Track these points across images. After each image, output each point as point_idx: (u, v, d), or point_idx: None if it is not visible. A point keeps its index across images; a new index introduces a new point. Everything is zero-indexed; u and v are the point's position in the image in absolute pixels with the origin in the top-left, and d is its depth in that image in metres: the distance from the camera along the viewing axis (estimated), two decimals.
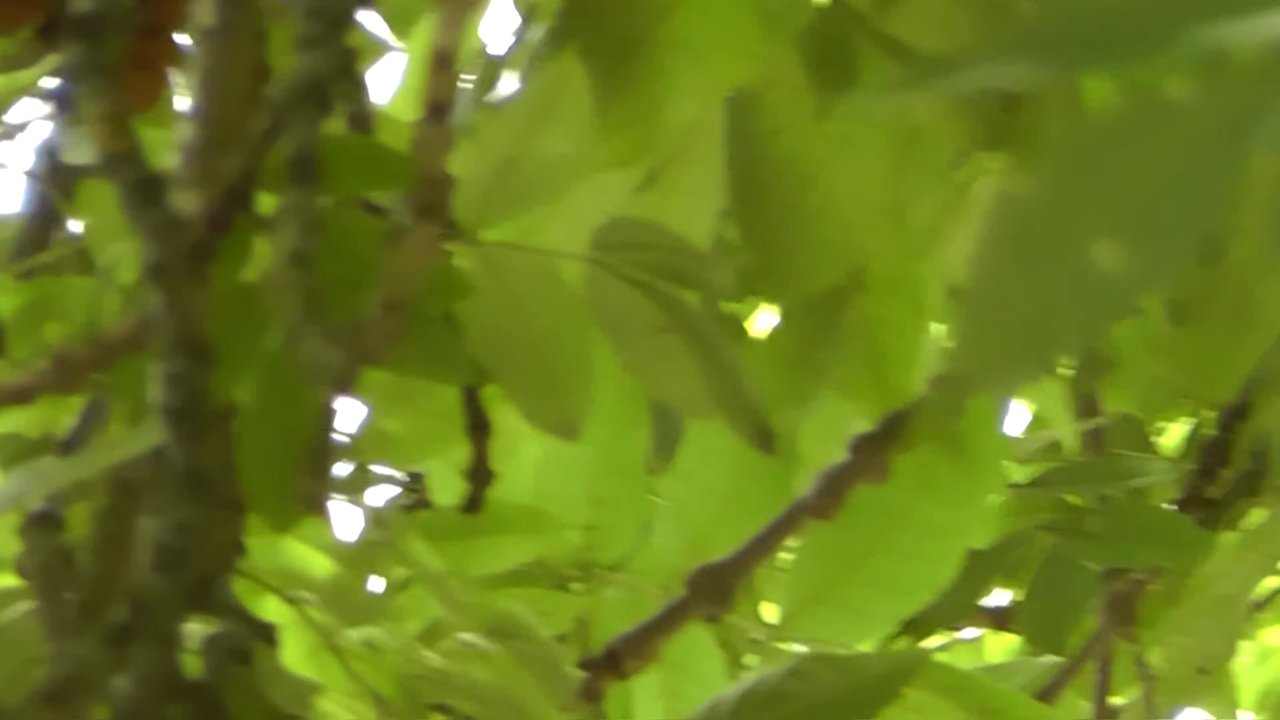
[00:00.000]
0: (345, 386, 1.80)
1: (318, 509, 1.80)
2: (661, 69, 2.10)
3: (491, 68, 2.15)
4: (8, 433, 1.95)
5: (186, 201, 1.74)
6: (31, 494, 1.86)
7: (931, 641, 2.49)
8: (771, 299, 2.07)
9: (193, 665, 1.74)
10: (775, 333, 2.10)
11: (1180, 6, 0.89)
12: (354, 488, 1.99)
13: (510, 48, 2.16)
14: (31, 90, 1.98)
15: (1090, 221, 0.92)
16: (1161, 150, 0.91)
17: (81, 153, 1.95)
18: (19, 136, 2.12)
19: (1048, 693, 2.58)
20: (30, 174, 2.11)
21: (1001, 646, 2.70)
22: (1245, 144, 0.89)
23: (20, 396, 1.84)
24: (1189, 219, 0.91)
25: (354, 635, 1.73)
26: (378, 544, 1.82)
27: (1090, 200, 0.93)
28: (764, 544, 2.08)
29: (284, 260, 1.74)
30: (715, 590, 2.04)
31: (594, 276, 1.90)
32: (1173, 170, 0.91)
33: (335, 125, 1.82)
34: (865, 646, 2.12)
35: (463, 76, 2.04)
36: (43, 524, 1.86)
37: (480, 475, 2.01)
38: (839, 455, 2.10)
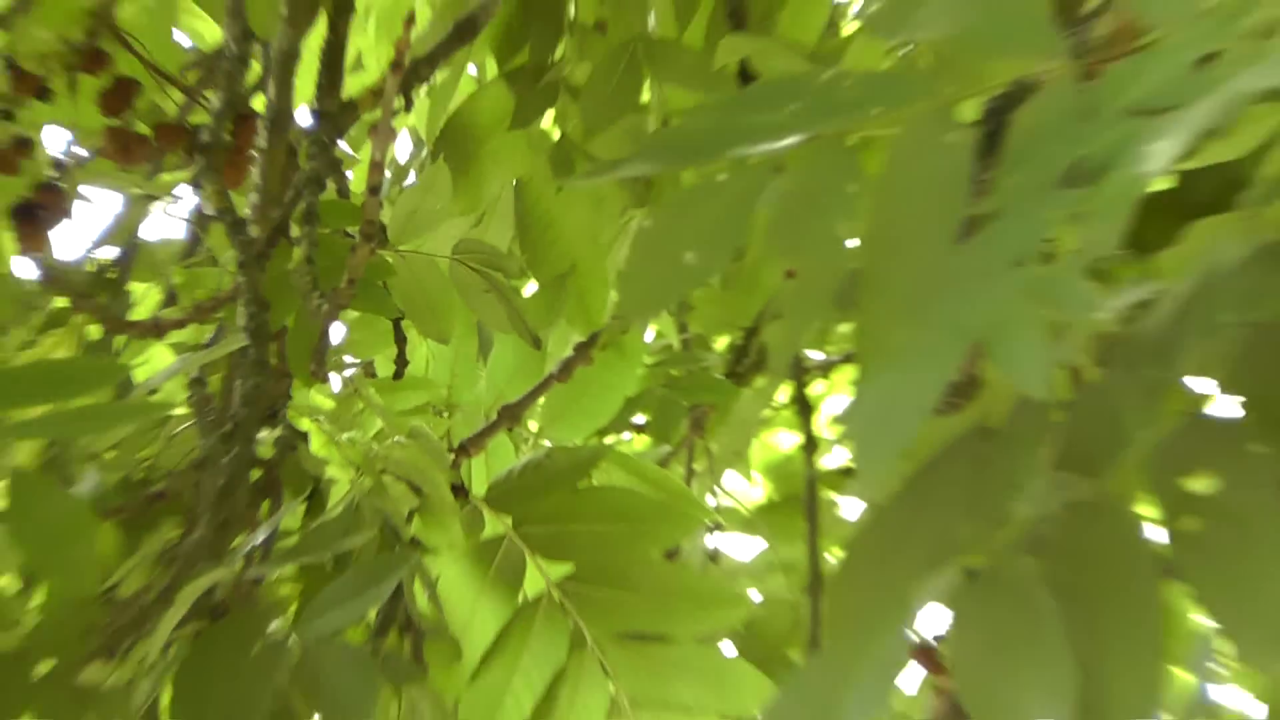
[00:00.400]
0: (332, 319, 1.83)
1: (323, 377, 1.84)
2: (483, 169, 2.11)
3: (401, 168, 2.17)
4: (180, 341, 1.94)
5: (255, 231, 1.76)
6: (192, 367, 1.86)
7: (610, 440, 2.49)
8: (535, 278, 2.10)
9: (265, 452, 1.78)
10: (536, 293, 2.10)
11: (721, 137, 0.99)
12: (338, 367, 2.00)
13: (410, 158, 2.19)
14: (182, 179, 1.98)
15: (683, 241, 1.00)
16: (714, 206, 1.00)
17: (208, 208, 1.95)
18: (179, 201, 2.08)
19: (663, 463, 2.49)
20: (187, 220, 2.07)
21: (641, 442, 2.61)
22: (754, 204, 0.98)
23: (181, 324, 1.83)
24: (729, 240, 0.99)
25: (344, 435, 1.75)
26: (352, 393, 1.85)
27: (682, 231, 1.00)
28: (533, 394, 2.07)
29: (302, 260, 1.75)
30: (511, 416, 2.00)
31: (454, 266, 1.90)
32: (720, 216, 0.99)
33: (329, 195, 1.85)
34: (579, 442, 2.15)
35: (387, 173, 2.05)
36: (198, 383, 1.88)
37: (400, 362, 2.02)
38: (568, 352, 2.11)
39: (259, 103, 1.84)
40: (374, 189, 1.90)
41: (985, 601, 0.86)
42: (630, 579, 1.69)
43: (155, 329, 1.84)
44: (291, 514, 1.78)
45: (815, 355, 2.51)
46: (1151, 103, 0.83)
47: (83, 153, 1.92)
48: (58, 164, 1.90)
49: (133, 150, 1.91)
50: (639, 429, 2.33)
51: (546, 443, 2.14)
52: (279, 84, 1.78)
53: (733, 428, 2.34)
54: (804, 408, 2.18)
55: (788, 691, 0.88)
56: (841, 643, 0.89)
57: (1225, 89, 0.78)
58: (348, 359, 2.03)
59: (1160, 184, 0.81)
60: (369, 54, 2.18)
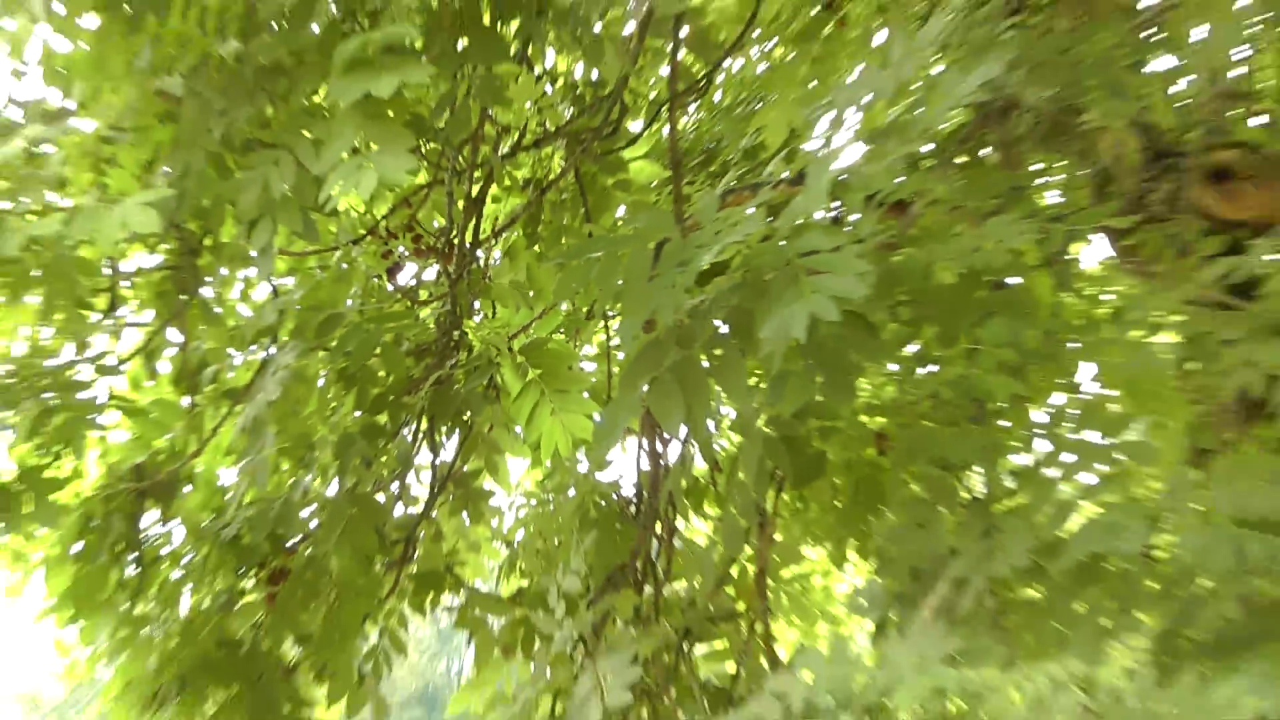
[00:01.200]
0: (475, 300, 1.88)
1: (471, 315, 1.88)
2: (519, 260, 2.11)
3: (495, 261, 2.14)
4: (433, 306, 1.87)
5: (454, 273, 1.83)
6: (436, 314, 1.83)
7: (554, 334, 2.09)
8: (534, 290, 2.07)
9: (455, 337, 1.82)
10: (534, 295, 2.07)
11: (581, 252, 0.89)
12: (475, 313, 1.96)
13: (500, 259, 2.16)
14: (435, 260, 1.85)
15: (572, 281, 0.93)
16: (580, 270, 0.92)
17: (441, 268, 1.98)
18: (434, 266, 1.98)
19: (568, 343, 2.15)
20: (436, 270, 2.07)
21: (562, 336, 2.15)
22: (592, 270, 0.90)
23: (431, 302, 1.92)
24: (585, 280, 0.93)
25: (480, 333, 1.83)
26: (482, 320, 1.87)
27: (571, 278, 0.93)
28: (532, 321, 2.00)
29: (465, 283, 1.79)
30: (524, 328, 2.03)
31: (510, 285, 1.95)
32: (583, 273, 0.92)
33: (474, 267, 1.95)
34: (545, 335, 2.00)
35: (493, 262, 2.09)
36: (439, 318, 1.83)
37: (494, 312, 2.07)
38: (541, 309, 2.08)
39: (456, 239, 1.91)
40: (485, 266, 2.12)
41: (660, 387, 0.85)
42: (558, 374, 1.78)
43: (424, 303, 2.00)
44: (464, 356, 1.90)
45: (610, 312, 2.35)
46: (700, 266, 0.77)
47: (406, 253, 2.04)
48: (400, 256, 2.03)
49: (421, 253, 2.04)
50: (563, 332, 2.33)
51: (536, 335, 2.14)
52: (460, 232, 1.91)
53: (586, 332, 2.38)
54: (607, 328, 2.28)
55: (604, 413, 0.88)
56: (617, 399, 0.90)
57: (723, 242, 0.81)
58: (481, 312, 2.10)
59: (705, 266, 0.79)
60: (486, 226, 2.13)
